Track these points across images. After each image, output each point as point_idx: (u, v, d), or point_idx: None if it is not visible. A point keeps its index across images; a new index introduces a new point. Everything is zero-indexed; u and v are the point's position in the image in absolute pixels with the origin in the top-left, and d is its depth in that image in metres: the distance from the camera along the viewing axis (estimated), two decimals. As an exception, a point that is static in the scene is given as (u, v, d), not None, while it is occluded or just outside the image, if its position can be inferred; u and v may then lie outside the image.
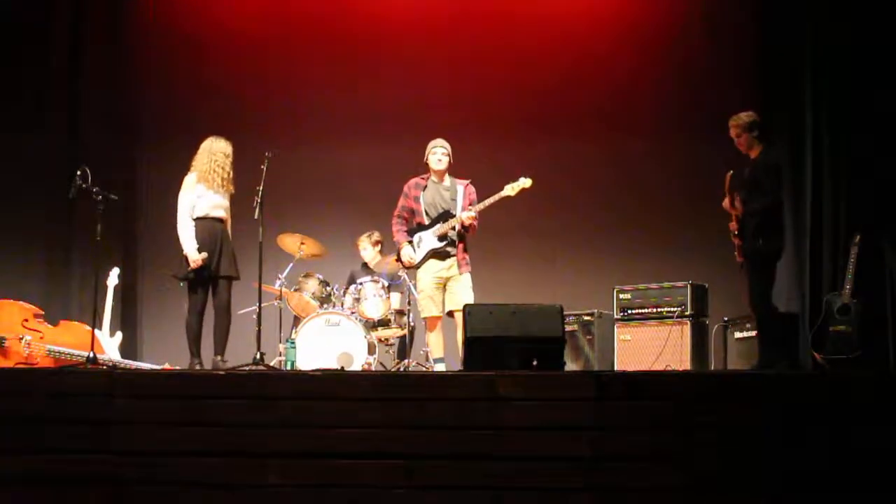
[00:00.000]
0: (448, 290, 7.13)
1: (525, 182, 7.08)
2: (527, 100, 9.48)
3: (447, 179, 7.26)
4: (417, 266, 7.22)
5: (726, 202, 6.87)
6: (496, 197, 7.10)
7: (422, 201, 7.24)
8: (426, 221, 7.21)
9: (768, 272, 6.77)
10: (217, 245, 6.96)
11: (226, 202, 7.11)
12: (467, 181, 7.26)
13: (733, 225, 6.81)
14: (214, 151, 7.06)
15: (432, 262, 7.16)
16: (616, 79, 9.42)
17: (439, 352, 7.20)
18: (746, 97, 8.41)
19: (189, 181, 7.04)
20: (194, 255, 6.88)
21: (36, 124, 9.11)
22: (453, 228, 7.11)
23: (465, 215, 7.07)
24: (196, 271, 6.91)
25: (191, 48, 9.65)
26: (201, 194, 7.00)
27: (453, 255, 7.13)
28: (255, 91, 9.55)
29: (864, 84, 8.04)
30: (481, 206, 7.11)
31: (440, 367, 7.13)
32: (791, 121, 8.61)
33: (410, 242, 7.24)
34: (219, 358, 6.89)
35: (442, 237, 7.14)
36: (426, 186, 7.27)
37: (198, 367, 6.83)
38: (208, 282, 6.98)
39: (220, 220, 7.06)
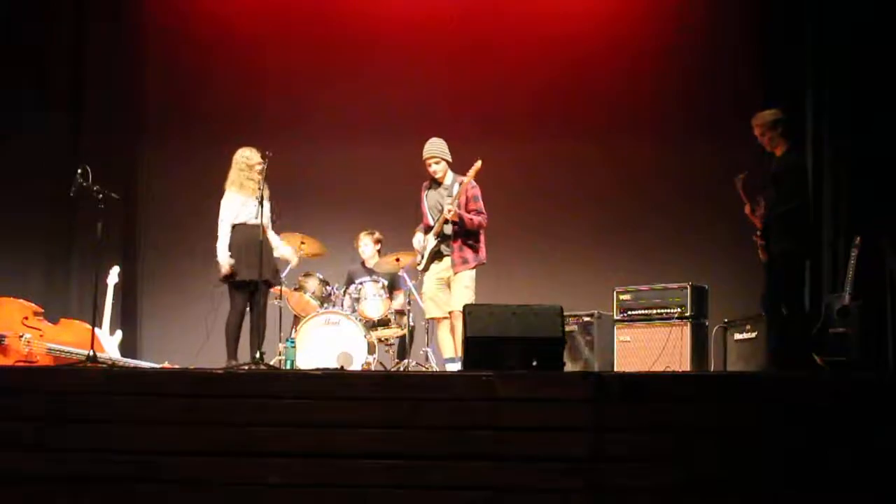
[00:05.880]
0: (450, 290, 7.11)
1: (477, 164, 7.04)
2: (527, 99, 9.48)
3: (448, 179, 7.23)
4: (424, 269, 7.22)
5: (747, 209, 6.76)
6: (460, 188, 7.06)
7: (426, 203, 7.26)
8: (431, 223, 7.20)
9: (791, 274, 6.64)
10: (255, 250, 6.96)
11: (266, 209, 7.20)
12: (465, 177, 7.13)
13: (757, 225, 6.69)
14: (238, 161, 7.30)
15: (434, 264, 7.17)
16: (616, 78, 9.42)
17: (449, 352, 7.12)
18: (746, 97, 8.41)
19: (227, 195, 7.26)
20: (224, 262, 7.13)
21: (36, 124, 9.11)
22: (445, 224, 7.08)
23: (445, 210, 7.04)
24: (236, 274, 7.12)
25: (191, 48, 9.66)
26: (243, 202, 7.19)
27: (447, 255, 7.12)
28: (256, 91, 9.56)
29: (864, 84, 8.04)
30: (454, 199, 7.04)
31: (452, 367, 7.01)
32: (791, 120, 8.59)
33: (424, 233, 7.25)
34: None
35: (437, 236, 7.13)
36: (430, 188, 7.27)
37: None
38: (249, 285, 7.13)
39: (260, 227, 7.09)
